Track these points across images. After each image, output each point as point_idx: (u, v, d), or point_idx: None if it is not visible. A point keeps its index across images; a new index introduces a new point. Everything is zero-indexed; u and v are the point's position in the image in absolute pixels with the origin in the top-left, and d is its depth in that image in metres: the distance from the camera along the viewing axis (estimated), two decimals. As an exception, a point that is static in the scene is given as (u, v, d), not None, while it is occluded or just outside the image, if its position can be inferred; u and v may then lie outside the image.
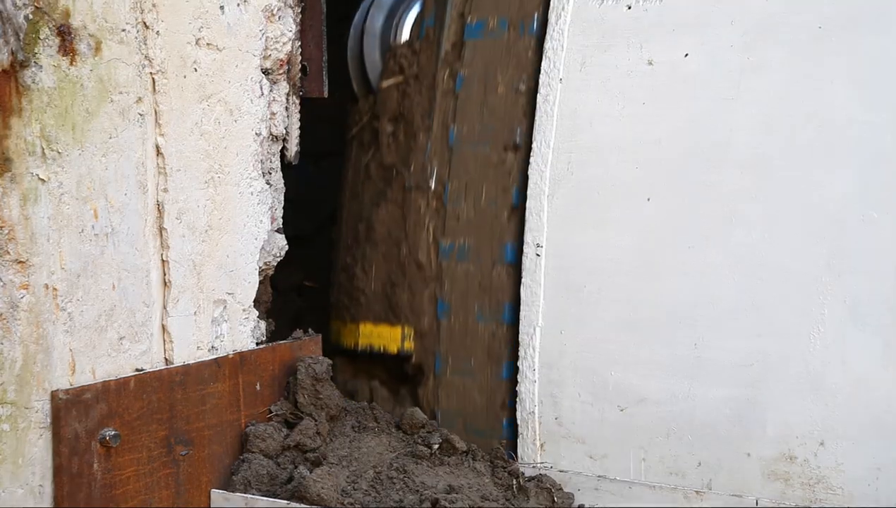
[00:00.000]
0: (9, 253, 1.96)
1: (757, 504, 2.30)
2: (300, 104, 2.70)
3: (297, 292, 3.68)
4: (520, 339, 2.55)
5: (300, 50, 2.67)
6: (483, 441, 2.59)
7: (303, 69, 2.68)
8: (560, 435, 2.51)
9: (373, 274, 2.80)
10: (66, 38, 2.04)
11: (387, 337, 2.77)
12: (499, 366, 2.61)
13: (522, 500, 2.42)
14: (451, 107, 2.72)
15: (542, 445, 2.53)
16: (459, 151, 2.70)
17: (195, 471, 2.31)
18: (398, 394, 2.79)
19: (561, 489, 2.45)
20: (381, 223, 2.80)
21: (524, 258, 2.55)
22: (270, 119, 2.57)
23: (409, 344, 2.73)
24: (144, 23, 2.20)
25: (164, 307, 2.28)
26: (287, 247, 2.64)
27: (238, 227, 2.47)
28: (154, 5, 2.21)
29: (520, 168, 2.60)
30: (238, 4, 2.43)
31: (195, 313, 2.35)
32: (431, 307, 2.70)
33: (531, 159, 2.56)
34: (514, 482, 2.45)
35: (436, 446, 2.49)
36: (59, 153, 2.03)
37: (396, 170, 2.79)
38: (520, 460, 2.54)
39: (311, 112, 2.77)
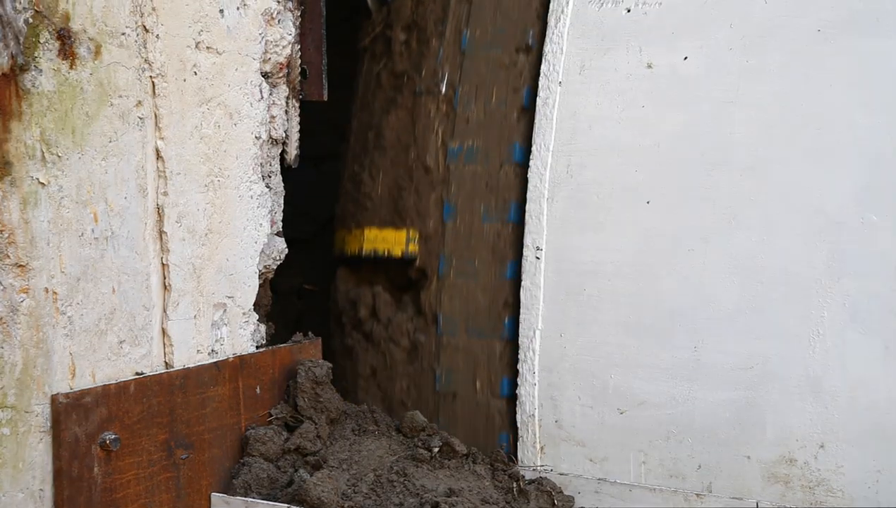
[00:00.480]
0: (9, 256, 1.96)
1: (757, 506, 2.30)
2: (300, 107, 2.70)
3: (297, 295, 3.68)
4: (519, 342, 2.55)
5: (300, 53, 2.67)
6: (484, 342, 2.60)
7: (302, 72, 2.68)
8: (560, 438, 2.51)
9: (380, 179, 2.81)
10: (65, 42, 2.04)
11: (391, 241, 2.76)
12: (503, 266, 2.61)
13: (523, 503, 2.42)
14: (465, 12, 2.73)
15: (542, 448, 2.53)
16: (471, 55, 2.71)
17: (195, 475, 2.31)
18: (401, 301, 2.78)
19: (561, 492, 2.45)
20: (391, 129, 2.80)
21: (524, 261, 2.55)
22: (270, 122, 2.57)
23: (413, 247, 2.73)
24: (144, 26, 2.20)
25: (164, 310, 2.28)
26: (287, 250, 2.64)
27: (238, 231, 2.47)
28: (154, 9, 2.21)
29: (531, 70, 2.62)
30: (238, 8, 2.43)
31: (195, 317, 2.35)
32: (437, 210, 2.70)
33: (530, 162, 2.57)
34: (515, 485, 2.45)
35: (436, 449, 2.49)
36: (58, 157, 2.03)
37: (408, 76, 2.80)
38: (520, 463, 2.54)
39: (311, 115, 2.78)
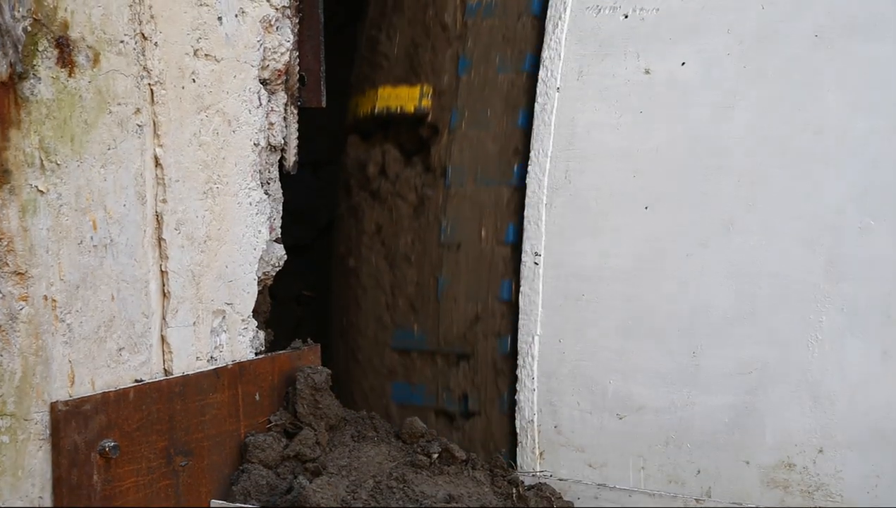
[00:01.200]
0: (8, 264, 1.96)
1: (756, 511, 2.31)
2: (298, 114, 2.70)
3: (296, 301, 3.68)
4: (518, 348, 2.55)
5: (298, 60, 2.67)
6: (492, 189, 2.62)
7: (301, 79, 2.69)
8: (559, 444, 2.51)
9: (397, 39, 2.82)
10: (64, 50, 2.05)
11: (405, 97, 2.77)
12: (515, 114, 2.62)
13: (522, 509, 2.43)
14: None
15: (541, 454, 2.53)
16: None
17: (194, 482, 2.31)
18: (410, 161, 2.78)
19: (560, 497, 2.45)
20: None
21: (522, 266, 2.56)
22: (269, 129, 2.57)
23: (426, 102, 2.73)
24: (143, 34, 2.20)
25: (164, 318, 2.28)
26: (286, 256, 2.64)
27: (237, 237, 2.47)
28: (152, 17, 2.22)
29: None
30: (236, 15, 2.44)
31: (194, 324, 2.35)
32: (452, 65, 2.71)
33: (528, 168, 2.57)
34: (514, 490, 2.45)
35: (435, 455, 2.49)
36: (57, 164, 2.04)
37: None
38: (519, 468, 2.54)
39: (310, 122, 2.78)
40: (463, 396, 2.59)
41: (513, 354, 2.55)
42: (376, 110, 2.81)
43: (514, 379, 2.54)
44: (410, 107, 2.75)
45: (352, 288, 2.83)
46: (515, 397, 2.55)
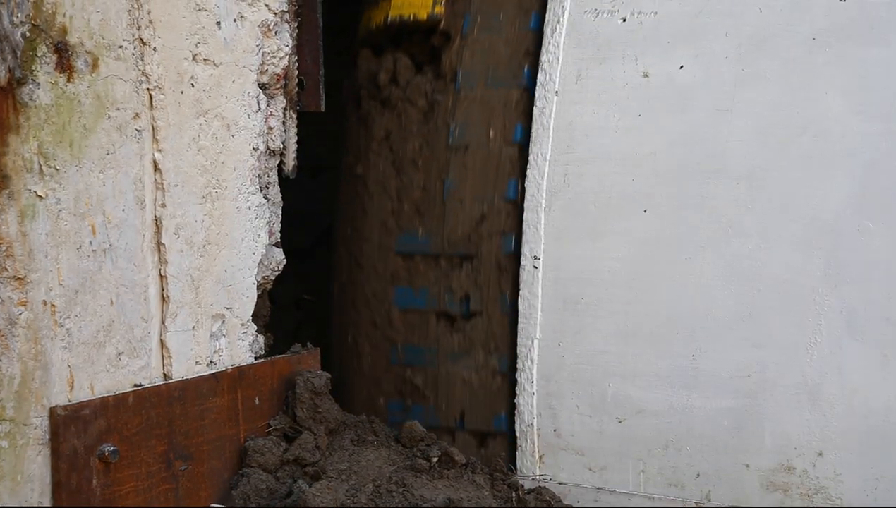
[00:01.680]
0: (7, 269, 1.96)
1: (756, 514, 2.31)
2: (297, 118, 2.70)
3: (296, 306, 3.68)
4: (517, 352, 2.55)
5: (297, 64, 2.67)
6: (502, 90, 2.65)
7: (300, 83, 2.69)
8: (559, 447, 2.51)
9: None
10: (63, 55, 2.05)
11: (418, 5, 2.78)
12: (527, 17, 2.65)
13: (522, 513, 2.43)
14: None
15: (540, 457, 2.53)
16: None
17: (194, 486, 2.31)
18: (421, 70, 2.78)
19: (560, 501, 2.45)
20: None
21: (521, 271, 2.55)
22: (268, 133, 2.57)
23: (439, 9, 2.74)
24: (141, 39, 2.21)
25: (163, 322, 2.28)
26: (285, 260, 2.64)
27: (236, 242, 2.47)
28: (151, 21, 2.22)
29: None
30: (234, 20, 2.44)
31: (193, 328, 2.35)
32: None
33: (527, 172, 2.57)
34: (514, 494, 2.45)
35: (435, 459, 2.49)
36: (56, 169, 2.04)
37: None
38: (519, 472, 2.54)
39: (309, 126, 2.78)
40: (465, 297, 2.60)
41: (517, 253, 2.56)
42: (389, 19, 2.81)
43: (517, 278, 2.54)
44: (423, 15, 2.76)
45: (359, 195, 2.84)
46: (515, 400, 2.55)
